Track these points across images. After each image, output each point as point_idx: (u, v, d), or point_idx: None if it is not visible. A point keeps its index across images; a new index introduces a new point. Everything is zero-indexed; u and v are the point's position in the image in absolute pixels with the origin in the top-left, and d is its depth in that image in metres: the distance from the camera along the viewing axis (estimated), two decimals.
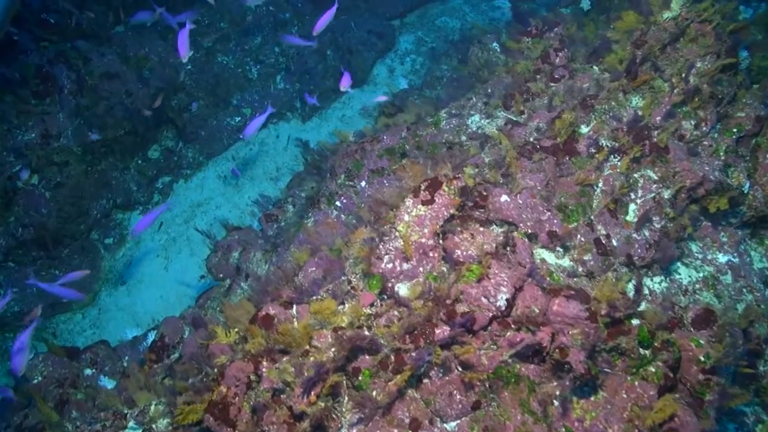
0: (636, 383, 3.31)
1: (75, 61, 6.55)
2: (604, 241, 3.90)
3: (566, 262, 3.84)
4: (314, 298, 3.57)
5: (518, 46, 5.02)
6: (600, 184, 4.05)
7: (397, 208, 3.69)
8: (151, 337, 4.94)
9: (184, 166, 7.70)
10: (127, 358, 5.33)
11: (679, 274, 4.15)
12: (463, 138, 4.86)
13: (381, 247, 3.59)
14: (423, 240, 3.56)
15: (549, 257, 3.80)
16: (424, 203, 3.66)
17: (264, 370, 3.05)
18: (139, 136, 7.12)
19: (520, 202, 3.84)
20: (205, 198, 7.59)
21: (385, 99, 5.50)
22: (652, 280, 4.02)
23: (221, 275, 5.08)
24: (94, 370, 5.10)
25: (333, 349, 3.07)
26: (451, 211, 3.66)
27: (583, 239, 3.88)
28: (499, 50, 6.07)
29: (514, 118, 4.58)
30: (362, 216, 4.05)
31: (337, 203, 4.78)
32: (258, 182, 7.66)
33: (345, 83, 5.68)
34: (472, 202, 3.85)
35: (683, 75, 4.21)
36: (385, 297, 3.46)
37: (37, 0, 6.57)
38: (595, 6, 5.87)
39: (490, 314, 3.25)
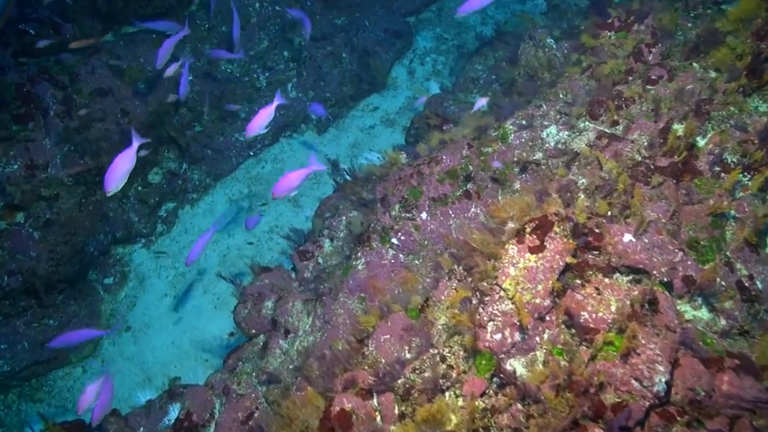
0: None
1: (60, 77, 5.64)
2: (747, 284, 3.12)
3: (706, 314, 3.05)
4: (400, 381, 2.75)
5: (597, 42, 4.23)
6: (733, 212, 3.27)
7: (497, 257, 2.88)
8: (174, 412, 4.08)
9: (189, 190, 6.82)
10: (142, 429, 4.47)
11: None
12: (539, 155, 4.05)
13: (482, 310, 2.78)
14: (537, 300, 2.76)
15: (688, 311, 3.02)
16: (532, 251, 2.85)
17: None
18: (138, 159, 6.21)
19: (646, 241, 3.04)
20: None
21: (485, 101, 4.44)
22: None
23: (253, 330, 4.23)
24: None
25: None
26: (567, 260, 2.86)
27: (723, 283, 3.10)
28: (555, 46, 5.27)
29: (608, 130, 3.78)
30: (442, 264, 3.23)
31: (394, 240, 3.95)
32: (274, 205, 6.80)
33: (280, 191, 4.04)
34: (584, 243, 3.05)
35: None
36: (499, 381, 2.65)
37: (13, 9, 5.64)
38: None
39: (647, 403, 2.45)
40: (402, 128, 7.25)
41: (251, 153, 7.10)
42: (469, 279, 3.04)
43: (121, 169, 3.70)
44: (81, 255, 5.94)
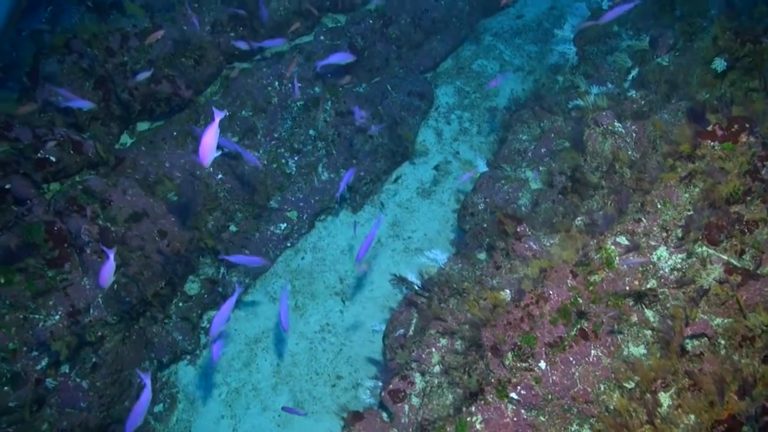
0: None
1: (91, 206, 5.16)
2: None
3: None
4: None
5: (698, 153, 3.96)
6: None
7: None
8: None
9: (229, 295, 6.38)
10: None
11: None
12: (653, 283, 3.78)
13: None
14: None
15: None
16: None
17: None
18: (177, 276, 5.78)
19: None
20: (263, 330, 6.31)
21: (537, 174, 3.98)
22: None
23: None
24: None
25: None
26: None
27: None
28: (623, 131, 5.01)
29: (736, 262, 3.53)
30: None
31: (513, 395, 3.64)
32: (321, 301, 6.42)
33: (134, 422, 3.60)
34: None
35: None
36: None
37: (26, 135, 5.14)
38: (734, 66, 4.84)
39: None
40: (441, 201, 6.93)
41: (288, 244, 6.70)
42: None
43: (211, 141, 3.61)
44: (129, 390, 5.49)
